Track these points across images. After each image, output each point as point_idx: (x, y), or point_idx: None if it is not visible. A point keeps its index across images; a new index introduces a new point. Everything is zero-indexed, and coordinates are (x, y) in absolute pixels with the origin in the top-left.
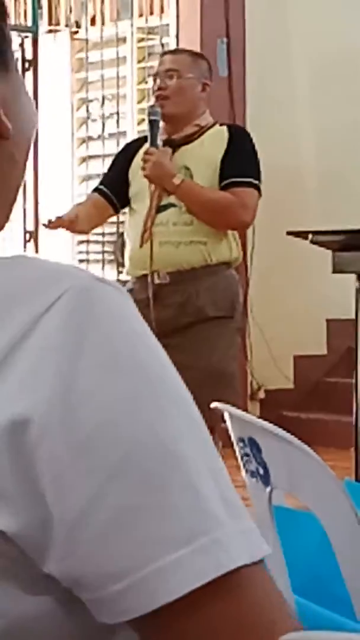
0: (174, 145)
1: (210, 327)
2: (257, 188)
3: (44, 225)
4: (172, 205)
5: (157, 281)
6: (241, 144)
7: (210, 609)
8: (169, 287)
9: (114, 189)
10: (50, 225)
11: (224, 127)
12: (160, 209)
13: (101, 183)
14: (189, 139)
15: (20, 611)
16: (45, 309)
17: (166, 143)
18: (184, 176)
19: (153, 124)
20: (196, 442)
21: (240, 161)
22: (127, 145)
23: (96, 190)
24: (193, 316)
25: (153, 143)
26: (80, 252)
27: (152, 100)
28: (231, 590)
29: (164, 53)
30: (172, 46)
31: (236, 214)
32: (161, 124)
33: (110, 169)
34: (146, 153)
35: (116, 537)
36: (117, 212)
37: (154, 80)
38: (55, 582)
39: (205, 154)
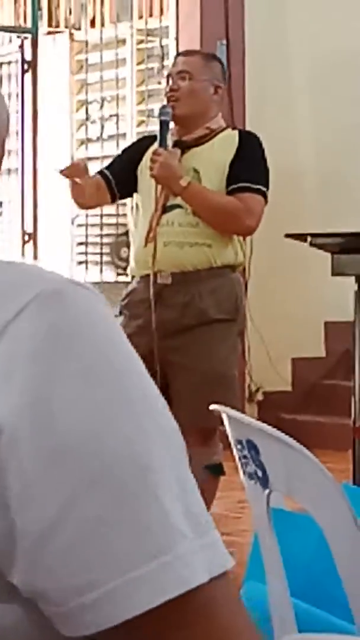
0: (183, 146)
1: (212, 330)
2: (264, 195)
3: (58, 170)
4: (179, 206)
5: (159, 281)
6: (251, 150)
7: (173, 625)
8: (172, 287)
9: (116, 177)
10: (64, 171)
11: (235, 132)
12: (167, 209)
13: (107, 168)
14: (199, 142)
15: None
16: (15, 314)
17: (176, 144)
18: (192, 178)
19: (163, 125)
20: (167, 455)
21: (249, 167)
22: (140, 140)
23: (100, 173)
24: (195, 318)
25: (162, 143)
26: (80, 254)
27: (164, 101)
28: (194, 607)
29: (178, 54)
30: (172, 48)
31: (241, 220)
32: (172, 125)
33: (119, 157)
34: (154, 153)
35: (82, 550)
36: (114, 200)
37: (167, 81)
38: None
39: (215, 157)
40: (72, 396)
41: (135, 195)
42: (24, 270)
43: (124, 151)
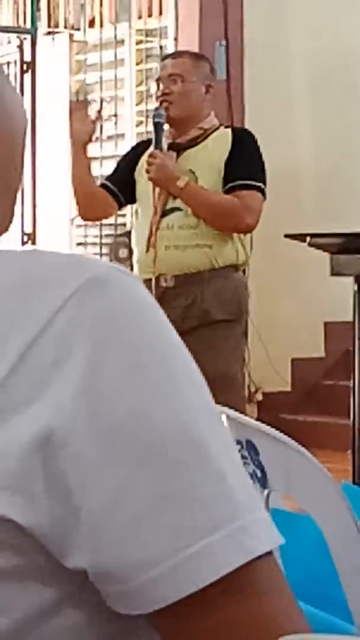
0: (178, 148)
1: (215, 330)
2: (262, 191)
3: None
4: (178, 209)
5: (162, 284)
6: (245, 147)
7: (237, 595)
8: (174, 290)
9: (118, 184)
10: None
11: (229, 130)
12: (166, 212)
13: (107, 179)
14: (193, 143)
15: (34, 606)
16: (64, 302)
17: (171, 147)
18: (189, 179)
19: (158, 127)
20: (216, 430)
21: (245, 164)
22: (136, 146)
23: (101, 185)
24: (199, 319)
25: (157, 145)
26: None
27: (157, 105)
28: (259, 575)
29: (165, 57)
30: (171, 48)
31: (240, 217)
32: (166, 127)
33: (117, 166)
34: (150, 156)
35: (145, 526)
36: (120, 206)
37: (157, 86)
38: (72, 579)
39: (210, 157)
40: (120, 379)
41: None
42: (68, 258)
43: (121, 159)
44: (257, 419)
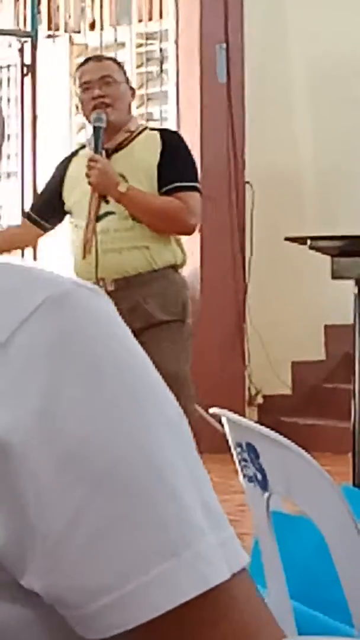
0: (107, 153)
1: (161, 332)
2: (199, 190)
3: None
4: (111, 212)
5: (104, 289)
6: (176, 149)
7: (194, 625)
8: (116, 294)
9: (42, 213)
10: None
11: (156, 132)
12: (99, 217)
13: (30, 208)
14: (120, 146)
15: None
16: (24, 320)
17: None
18: (130, 184)
19: (98, 131)
20: (179, 450)
21: (178, 166)
22: (60, 164)
23: (27, 217)
24: (143, 321)
25: (97, 150)
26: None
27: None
28: (216, 605)
29: (84, 62)
30: (171, 52)
31: (184, 220)
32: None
33: (41, 193)
34: (91, 160)
35: (100, 550)
36: (45, 231)
37: (85, 89)
38: (34, 595)
39: (140, 160)
40: (80, 399)
41: (68, 216)
42: (30, 274)
43: (46, 185)
44: (258, 422)
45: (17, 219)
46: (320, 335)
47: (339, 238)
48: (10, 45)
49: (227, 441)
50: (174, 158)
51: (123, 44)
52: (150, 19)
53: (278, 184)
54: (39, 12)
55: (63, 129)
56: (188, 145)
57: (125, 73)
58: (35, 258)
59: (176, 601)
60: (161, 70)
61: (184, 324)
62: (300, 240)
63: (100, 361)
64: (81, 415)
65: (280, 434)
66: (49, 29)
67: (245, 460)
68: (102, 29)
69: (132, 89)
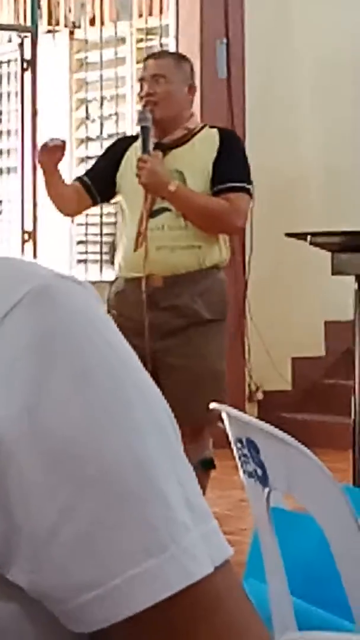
0: (163, 148)
1: (204, 330)
2: (249, 192)
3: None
4: (167, 209)
5: (151, 284)
6: (233, 149)
7: (179, 619)
8: (163, 290)
9: (95, 182)
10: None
11: (215, 130)
12: (154, 213)
13: (85, 174)
14: (178, 143)
15: None
16: (4, 314)
17: (156, 146)
18: (177, 179)
19: (144, 130)
20: (164, 449)
21: (233, 166)
22: (116, 143)
23: (78, 179)
24: (188, 319)
25: (145, 150)
26: (79, 253)
27: (140, 106)
28: (200, 599)
29: (148, 57)
30: (172, 47)
31: (229, 220)
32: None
33: (97, 163)
34: (140, 160)
35: (86, 548)
36: (95, 203)
37: (141, 86)
38: (22, 590)
39: (197, 158)
40: (66, 397)
41: (119, 198)
42: (11, 266)
43: (101, 157)
44: (258, 418)
45: (16, 215)
46: (321, 331)
47: (339, 234)
48: (10, 40)
49: (227, 437)
50: (229, 158)
51: (123, 39)
52: (150, 14)
53: (278, 181)
54: (39, 7)
55: (63, 125)
56: (244, 146)
57: (186, 71)
58: (34, 255)
59: (161, 595)
60: None
61: (223, 322)
62: (301, 236)
63: (87, 360)
64: (68, 416)
65: (281, 429)
66: (49, 24)
67: (245, 456)
68: (102, 24)
69: (190, 86)
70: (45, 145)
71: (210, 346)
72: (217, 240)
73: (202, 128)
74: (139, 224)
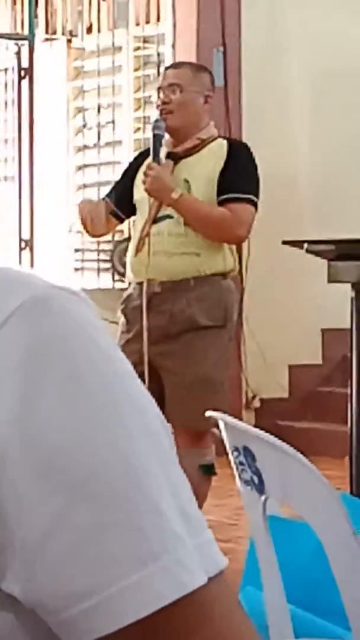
0: (175, 158)
1: (201, 336)
2: (254, 204)
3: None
4: (169, 216)
5: (150, 289)
6: (239, 159)
7: (173, 630)
8: (161, 295)
9: (120, 203)
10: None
11: (224, 142)
12: (158, 219)
13: (108, 194)
14: (190, 152)
15: None
16: (4, 320)
17: (169, 156)
18: (184, 189)
19: (156, 139)
20: (157, 457)
21: (238, 177)
22: (137, 158)
23: (103, 200)
24: (184, 325)
25: (155, 157)
26: (77, 261)
27: (157, 114)
28: (193, 610)
29: (167, 67)
30: (168, 55)
31: (231, 230)
32: (167, 136)
33: (120, 181)
34: (147, 167)
35: (80, 557)
36: (122, 221)
37: (158, 95)
38: (16, 600)
39: (204, 167)
40: (57, 406)
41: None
42: (5, 276)
43: (122, 175)
44: (255, 426)
45: (14, 223)
46: (318, 338)
47: (335, 242)
48: (7, 49)
49: (224, 445)
50: (235, 169)
51: (120, 48)
52: (147, 23)
53: (275, 188)
54: (36, 16)
55: (60, 133)
56: (253, 157)
57: (204, 81)
58: (32, 263)
59: (154, 606)
60: (158, 74)
61: (225, 329)
62: (297, 244)
63: (80, 369)
64: (60, 424)
65: (277, 437)
66: (46, 32)
67: (242, 463)
68: (99, 32)
69: (207, 96)
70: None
71: (206, 352)
72: (221, 249)
73: (214, 139)
74: (142, 229)
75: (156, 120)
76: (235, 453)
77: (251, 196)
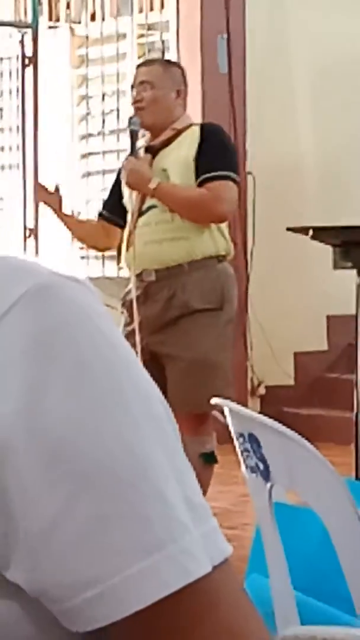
0: (153, 150)
1: (196, 319)
2: (233, 180)
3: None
4: (154, 206)
5: (145, 279)
6: (212, 140)
7: (179, 617)
8: (157, 284)
9: (112, 211)
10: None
11: (197, 127)
12: (144, 211)
13: (103, 208)
14: (166, 143)
15: None
16: (4, 313)
17: (147, 150)
18: (162, 178)
19: (132, 134)
20: (162, 445)
21: (212, 157)
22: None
23: (99, 215)
24: (180, 310)
25: (132, 152)
26: (82, 249)
27: (132, 112)
28: (199, 598)
29: (139, 65)
30: (173, 42)
31: (212, 208)
32: (145, 132)
33: (110, 191)
34: (124, 162)
35: (85, 546)
36: (122, 228)
37: (132, 92)
38: (21, 589)
39: (179, 154)
40: (62, 395)
41: None
42: (9, 265)
43: (114, 182)
44: (260, 413)
45: (18, 212)
46: (323, 325)
47: (340, 228)
48: (10, 37)
49: (229, 432)
50: (208, 150)
51: (124, 35)
52: (151, 10)
53: (280, 175)
54: (39, 3)
55: (65, 121)
56: (226, 136)
57: (175, 76)
58: (36, 251)
59: (159, 594)
60: None
61: (222, 311)
62: (302, 231)
63: (85, 356)
64: (65, 413)
65: (283, 424)
66: (50, 20)
67: (247, 450)
68: (103, 19)
69: (179, 90)
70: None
71: (203, 335)
72: (209, 231)
73: (189, 127)
74: (130, 223)
75: (131, 117)
76: (241, 439)
77: (228, 172)
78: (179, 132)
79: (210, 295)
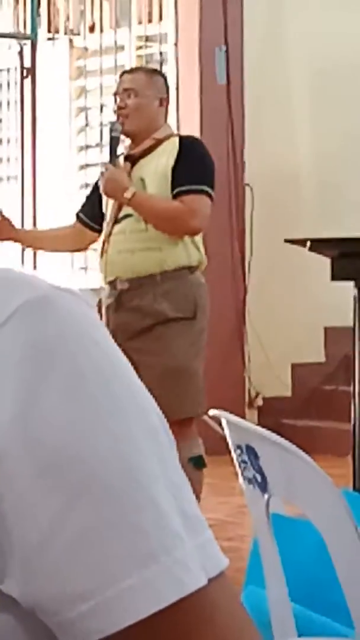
0: (133, 159)
1: (169, 328)
2: (208, 194)
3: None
4: (130, 215)
5: (119, 287)
6: (190, 153)
7: (174, 631)
8: (129, 292)
9: (89, 214)
10: None
11: (177, 138)
12: (120, 219)
13: (80, 210)
14: (146, 152)
15: None
16: (1, 324)
17: (127, 158)
18: (140, 187)
19: (113, 141)
20: (157, 456)
21: (189, 170)
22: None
23: (76, 216)
24: (154, 318)
25: (111, 160)
26: (80, 259)
27: (114, 118)
28: (194, 611)
29: (123, 73)
30: (171, 54)
31: (185, 222)
32: (126, 139)
33: (87, 196)
34: (102, 169)
35: (78, 558)
36: (98, 233)
37: (115, 100)
38: (16, 601)
39: (158, 164)
40: (57, 406)
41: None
42: (6, 278)
43: (93, 186)
44: (258, 424)
45: (16, 223)
46: (320, 337)
47: (338, 240)
48: (9, 48)
49: (226, 443)
50: (186, 163)
51: (123, 47)
52: (149, 22)
53: (278, 186)
54: (38, 15)
55: (63, 132)
56: (205, 150)
57: (158, 84)
58: (35, 262)
59: (154, 607)
60: None
61: (195, 321)
62: (300, 242)
63: (81, 368)
64: (61, 423)
65: (280, 436)
66: (49, 31)
67: (244, 462)
68: (101, 31)
69: (162, 99)
70: None
71: (175, 343)
72: (182, 242)
73: (169, 137)
74: (106, 230)
75: (113, 123)
76: (238, 451)
77: (204, 187)
78: (159, 142)
79: (183, 305)
